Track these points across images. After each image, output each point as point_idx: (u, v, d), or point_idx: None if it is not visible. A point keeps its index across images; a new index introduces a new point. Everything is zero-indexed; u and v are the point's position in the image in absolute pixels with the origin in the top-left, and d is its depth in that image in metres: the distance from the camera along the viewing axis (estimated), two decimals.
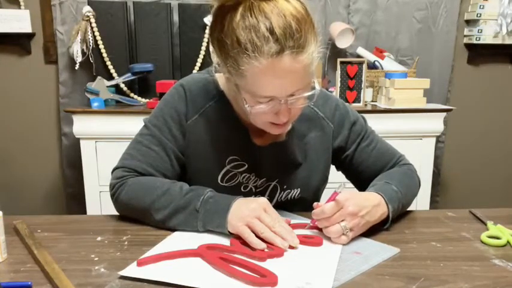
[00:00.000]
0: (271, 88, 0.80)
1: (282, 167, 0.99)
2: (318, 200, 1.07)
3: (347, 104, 1.08)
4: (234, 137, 0.96)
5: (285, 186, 1.00)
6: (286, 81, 0.79)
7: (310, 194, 1.03)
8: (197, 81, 0.98)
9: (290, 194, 1.01)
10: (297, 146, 1.00)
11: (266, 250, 0.76)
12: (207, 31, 2.14)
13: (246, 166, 0.97)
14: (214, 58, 0.88)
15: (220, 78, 0.98)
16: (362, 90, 2.14)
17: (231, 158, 0.96)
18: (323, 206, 0.81)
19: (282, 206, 0.99)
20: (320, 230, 0.85)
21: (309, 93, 0.84)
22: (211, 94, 0.96)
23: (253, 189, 0.99)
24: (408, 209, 1.00)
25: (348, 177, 1.11)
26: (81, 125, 1.99)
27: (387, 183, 0.93)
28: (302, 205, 1.01)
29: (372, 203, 0.85)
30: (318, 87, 0.85)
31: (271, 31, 0.75)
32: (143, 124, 0.98)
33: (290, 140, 0.99)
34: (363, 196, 0.87)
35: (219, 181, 0.96)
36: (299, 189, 1.01)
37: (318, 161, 1.03)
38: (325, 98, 1.04)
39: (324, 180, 1.07)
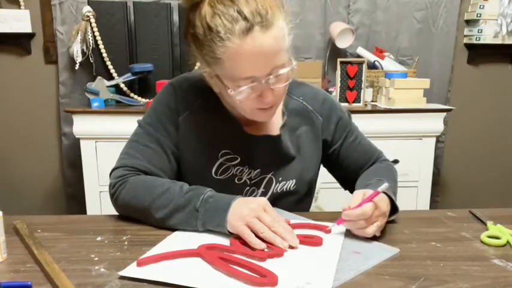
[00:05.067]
0: (249, 67, 0.82)
1: (276, 161, 1.01)
2: (312, 191, 1.11)
3: (334, 98, 1.11)
4: (226, 131, 0.98)
5: (280, 178, 1.01)
6: (261, 58, 0.81)
7: (305, 185, 1.05)
8: (187, 79, 1.01)
9: (285, 186, 1.02)
10: (289, 140, 1.01)
11: (266, 250, 0.76)
12: None
13: (239, 159, 0.98)
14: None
15: None
16: (362, 90, 2.14)
17: (223, 151, 0.98)
18: (363, 207, 0.81)
19: (278, 197, 1.01)
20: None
21: (287, 69, 0.86)
22: (201, 90, 0.98)
23: (248, 182, 1.00)
24: (408, 209, 1.01)
25: (332, 172, 1.14)
26: (81, 125, 1.99)
27: (380, 180, 0.95)
28: (297, 195, 1.04)
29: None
30: (294, 62, 0.87)
31: (239, 12, 0.79)
32: (137, 125, 1.00)
33: (283, 134, 1.00)
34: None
35: (213, 174, 0.98)
36: (294, 180, 1.02)
37: (311, 153, 1.04)
38: (314, 92, 1.06)
39: (317, 171, 1.10)
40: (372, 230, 0.81)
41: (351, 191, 1.09)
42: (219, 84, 0.89)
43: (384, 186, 0.84)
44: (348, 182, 1.10)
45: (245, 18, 0.79)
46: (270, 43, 0.81)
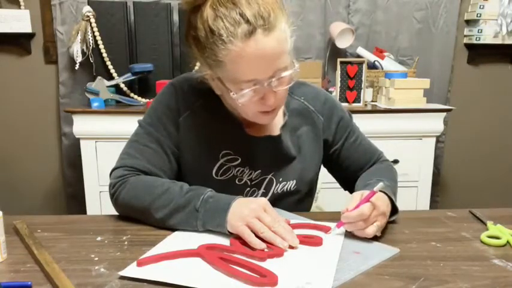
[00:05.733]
0: (251, 70, 0.82)
1: (276, 161, 1.01)
2: (312, 191, 1.11)
3: (335, 98, 1.11)
4: (227, 131, 0.98)
5: (280, 179, 1.01)
6: (264, 61, 0.81)
7: (306, 185, 1.05)
8: (187, 79, 1.00)
9: (286, 186, 1.02)
10: (290, 140, 1.01)
11: (266, 250, 0.76)
12: None
13: (240, 160, 0.98)
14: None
15: None
16: (362, 90, 2.14)
17: (224, 152, 0.98)
18: (360, 208, 0.81)
19: (278, 198, 1.01)
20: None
21: (289, 72, 0.85)
22: (202, 91, 0.98)
23: (249, 182, 1.00)
24: (408, 209, 1.01)
25: (332, 172, 1.14)
26: (81, 125, 1.99)
27: (379, 180, 0.95)
28: (298, 196, 1.04)
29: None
30: (297, 65, 0.87)
31: (242, 15, 0.78)
32: (138, 125, 1.00)
33: (284, 134, 1.00)
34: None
35: (213, 175, 0.98)
36: (294, 181, 1.02)
37: (311, 153, 1.04)
38: (315, 92, 1.06)
39: (317, 171, 1.10)
40: (372, 230, 0.81)
41: (351, 192, 1.09)
42: (220, 86, 0.89)
43: (380, 185, 0.84)
44: (348, 183, 1.10)
45: (247, 21, 0.78)
46: (272, 46, 0.80)
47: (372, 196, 0.83)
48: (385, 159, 1.12)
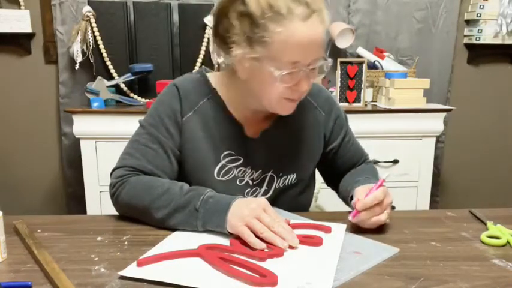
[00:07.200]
0: (298, 52, 0.84)
1: (275, 156, 1.01)
2: (312, 182, 1.13)
3: (334, 97, 1.13)
4: (228, 132, 0.98)
5: (280, 174, 1.02)
6: (311, 45, 0.84)
7: (306, 177, 1.07)
8: (190, 80, 1.00)
9: (287, 180, 1.03)
10: (288, 133, 1.02)
11: (266, 250, 0.76)
12: (207, 31, 2.14)
13: (241, 160, 0.99)
14: (215, 57, 0.90)
15: (212, 77, 1.01)
16: (362, 90, 2.14)
17: (225, 153, 0.98)
18: (374, 193, 0.84)
19: (280, 192, 1.03)
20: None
21: (324, 62, 0.88)
22: (204, 92, 0.98)
23: (250, 182, 1.00)
24: (408, 209, 1.01)
25: (322, 169, 1.16)
26: (81, 125, 1.99)
27: (368, 178, 1.01)
28: (299, 188, 1.06)
29: None
30: (329, 59, 0.90)
31: None
32: (139, 125, 1.00)
33: (281, 128, 1.01)
34: None
35: (215, 176, 0.98)
36: (295, 174, 1.03)
37: (311, 146, 1.06)
38: (318, 89, 1.08)
39: (315, 163, 1.11)
40: (385, 217, 0.85)
41: (333, 188, 1.14)
42: (254, 68, 0.87)
43: (387, 175, 0.88)
44: (333, 179, 1.14)
45: (306, 4, 0.82)
46: (321, 32, 0.84)
47: (382, 183, 0.86)
48: (369, 160, 1.17)
